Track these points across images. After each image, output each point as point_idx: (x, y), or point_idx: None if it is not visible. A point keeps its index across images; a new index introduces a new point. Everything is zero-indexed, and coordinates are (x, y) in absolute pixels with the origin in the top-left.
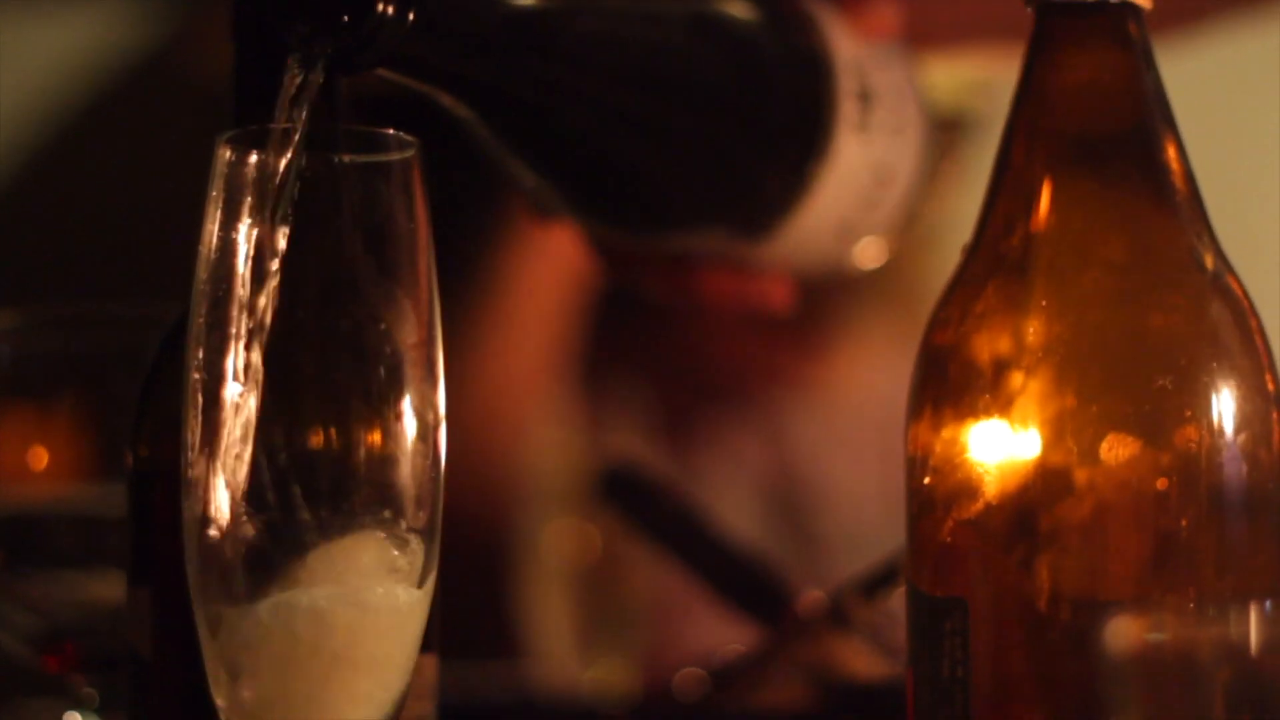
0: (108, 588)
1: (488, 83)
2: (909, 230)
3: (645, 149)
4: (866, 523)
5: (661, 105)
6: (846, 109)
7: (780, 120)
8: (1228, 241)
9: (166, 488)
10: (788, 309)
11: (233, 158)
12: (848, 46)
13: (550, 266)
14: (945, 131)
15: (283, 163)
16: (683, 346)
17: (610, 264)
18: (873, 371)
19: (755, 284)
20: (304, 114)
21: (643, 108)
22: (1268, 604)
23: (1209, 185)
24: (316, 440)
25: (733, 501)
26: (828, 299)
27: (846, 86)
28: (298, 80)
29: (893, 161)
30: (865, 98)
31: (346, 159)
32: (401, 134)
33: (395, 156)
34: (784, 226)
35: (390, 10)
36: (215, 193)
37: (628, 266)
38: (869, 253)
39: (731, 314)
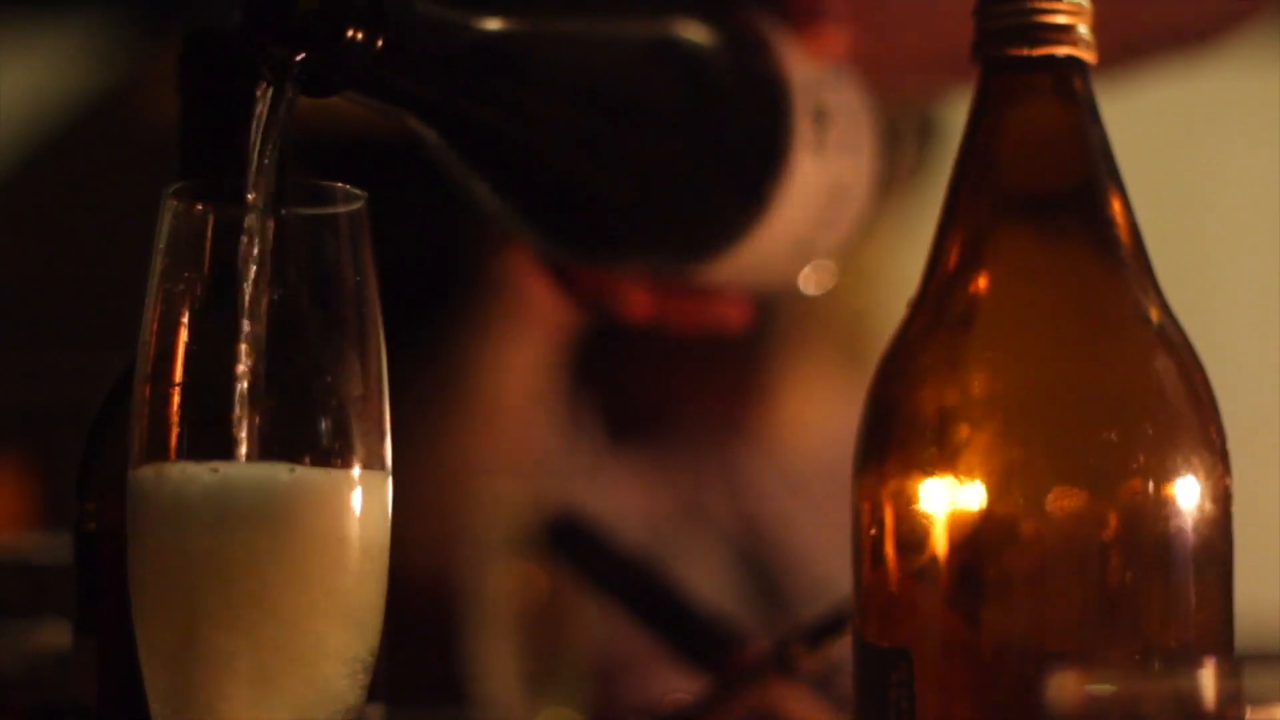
0: (53, 637)
1: (453, 106)
2: (857, 253)
3: (606, 172)
4: (825, 570)
5: (622, 129)
6: (802, 129)
7: (738, 142)
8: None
9: (112, 538)
10: (743, 329)
11: (179, 210)
12: (802, 67)
13: (510, 318)
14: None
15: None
16: (633, 393)
17: (567, 286)
18: (823, 419)
19: (711, 305)
20: (276, 136)
21: (604, 132)
22: (1213, 657)
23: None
24: None
25: (693, 547)
26: (776, 347)
27: (802, 107)
28: (269, 102)
29: (847, 180)
30: (820, 117)
31: (293, 211)
32: (349, 187)
33: (342, 209)
34: (742, 246)
35: (360, 35)
36: (161, 245)
37: (585, 288)
38: (815, 278)
39: (688, 335)
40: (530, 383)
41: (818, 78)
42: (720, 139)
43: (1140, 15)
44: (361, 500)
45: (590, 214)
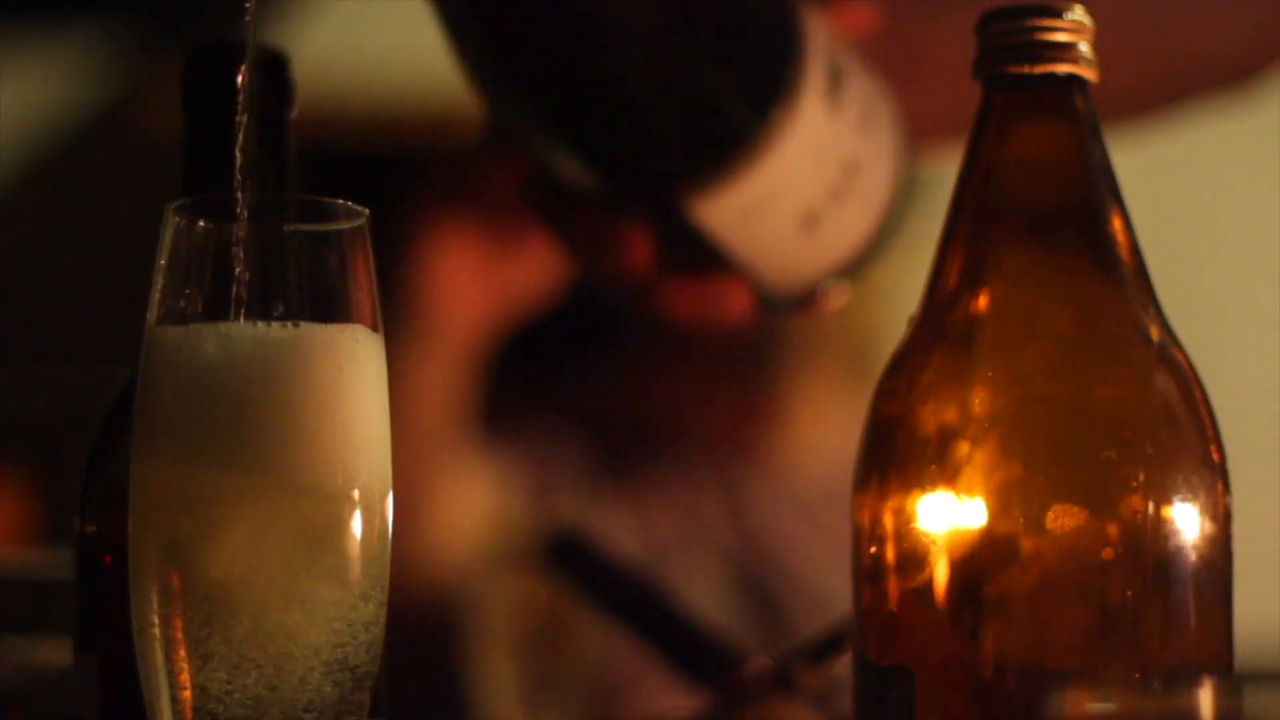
0: (54, 652)
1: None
2: (875, 264)
3: (621, 57)
4: (826, 588)
5: (640, 17)
6: (814, 74)
7: (754, 52)
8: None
9: (114, 553)
10: (746, 319)
11: (181, 225)
12: (821, 30)
13: (419, 339)
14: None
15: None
16: (637, 411)
17: (565, 236)
18: (830, 438)
19: (715, 292)
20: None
21: (621, 18)
22: (1212, 675)
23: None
24: None
25: (692, 568)
26: (784, 366)
27: (815, 54)
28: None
29: (862, 159)
30: (835, 75)
31: (295, 227)
32: (350, 204)
33: (344, 226)
34: (749, 174)
35: None
36: (163, 260)
37: (582, 238)
38: (832, 293)
39: (692, 323)
40: (442, 404)
41: (837, 46)
42: (737, 45)
43: (1180, 52)
44: (339, 357)
45: (602, 107)
